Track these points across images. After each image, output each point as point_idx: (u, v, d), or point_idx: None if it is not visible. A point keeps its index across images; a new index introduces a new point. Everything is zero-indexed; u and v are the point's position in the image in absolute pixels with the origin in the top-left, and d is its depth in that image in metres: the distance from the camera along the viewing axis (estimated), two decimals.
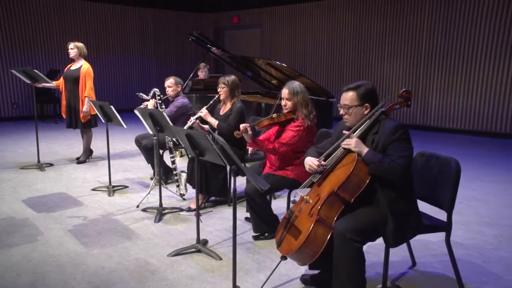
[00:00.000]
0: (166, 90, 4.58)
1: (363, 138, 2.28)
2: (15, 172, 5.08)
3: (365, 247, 2.17)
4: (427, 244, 3.17)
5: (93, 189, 4.45)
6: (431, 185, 2.50)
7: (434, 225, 2.46)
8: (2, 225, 3.46)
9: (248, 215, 3.54)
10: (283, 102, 3.19)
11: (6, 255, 2.93)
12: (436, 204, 2.49)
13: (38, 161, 5.32)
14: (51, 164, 5.46)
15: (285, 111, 3.19)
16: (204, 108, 3.87)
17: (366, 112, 2.29)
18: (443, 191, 2.40)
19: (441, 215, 2.52)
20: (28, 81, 5.25)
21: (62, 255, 2.95)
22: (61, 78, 5.39)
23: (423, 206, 2.49)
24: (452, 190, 2.34)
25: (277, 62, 5.70)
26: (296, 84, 3.18)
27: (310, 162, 2.37)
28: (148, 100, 4.40)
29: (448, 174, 2.37)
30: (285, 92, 3.16)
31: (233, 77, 3.95)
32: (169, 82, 4.57)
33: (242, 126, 3.08)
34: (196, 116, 3.84)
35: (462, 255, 2.99)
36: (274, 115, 3.18)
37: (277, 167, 3.21)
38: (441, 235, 2.47)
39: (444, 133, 8.32)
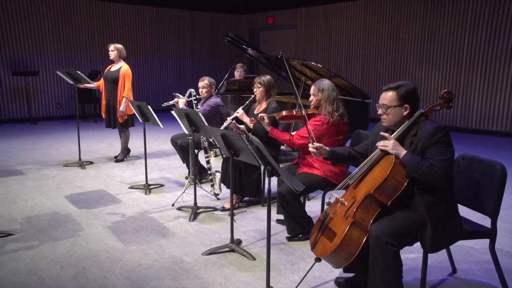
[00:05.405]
0: (200, 90, 4.65)
1: (401, 140, 2.22)
2: (58, 169, 5.31)
3: (402, 252, 2.11)
4: (468, 250, 3.04)
5: (130, 187, 4.58)
6: (473, 190, 2.39)
7: (476, 231, 2.35)
8: (48, 220, 3.63)
9: (279, 217, 3.54)
10: (310, 98, 3.26)
11: (52, 248, 3.07)
12: (479, 209, 2.38)
13: (79, 159, 5.53)
14: (91, 162, 5.67)
15: (311, 106, 3.27)
16: (240, 108, 3.90)
17: (405, 113, 2.22)
18: (487, 196, 2.30)
19: (483, 221, 2.42)
20: (71, 82, 5.47)
21: (102, 250, 3.05)
22: (102, 79, 5.59)
23: (464, 211, 2.39)
24: (497, 195, 2.23)
25: (312, 63, 5.65)
26: (324, 82, 3.22)
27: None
28: (178, 98, 4.50)
29: (492, 178, 2.26)
30: (312, 88, 3.24)
31: (268, 77, 3.96)
32: (203, 83, 4.65)
33: (259, 115, 3.32)
34: (233, 116, 3.87)
35: (508, 264, 2.85)
36: (296, 109, 3.27)
37: (304, 164, 3.26)
38: (484, 242, 2.36)
39: (487, 136, 7.96)
